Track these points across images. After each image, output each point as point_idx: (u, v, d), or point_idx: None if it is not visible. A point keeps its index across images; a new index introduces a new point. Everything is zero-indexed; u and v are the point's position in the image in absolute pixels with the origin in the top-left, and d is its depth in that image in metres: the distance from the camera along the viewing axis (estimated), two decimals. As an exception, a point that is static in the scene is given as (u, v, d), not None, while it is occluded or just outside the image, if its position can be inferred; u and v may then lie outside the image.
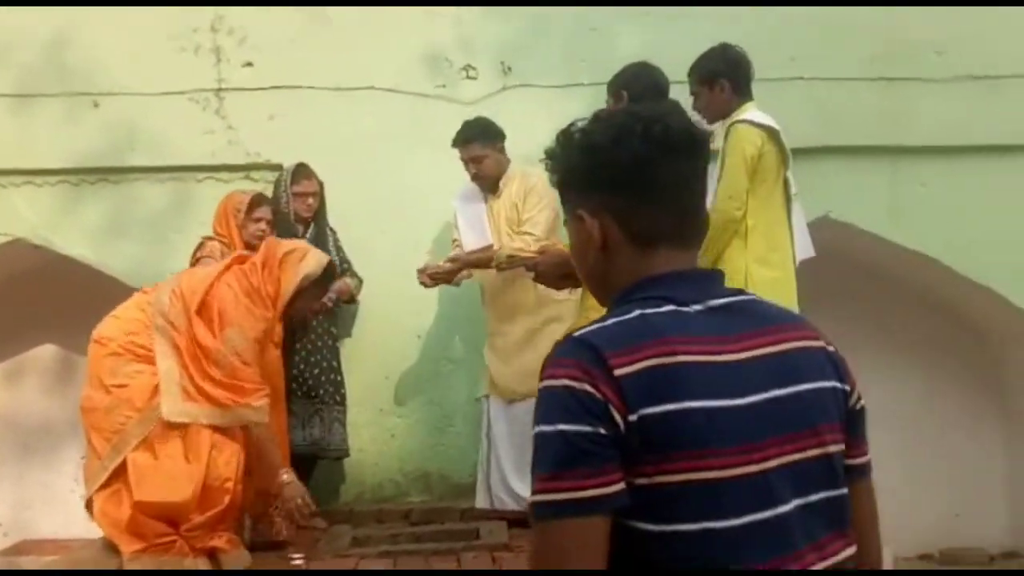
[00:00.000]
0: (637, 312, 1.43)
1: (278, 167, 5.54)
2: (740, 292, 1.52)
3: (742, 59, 4.14)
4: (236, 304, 4.29)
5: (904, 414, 6.32)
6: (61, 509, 6.35)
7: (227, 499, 4.21)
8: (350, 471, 5.67)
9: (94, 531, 4.43)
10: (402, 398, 5.70)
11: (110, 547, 4.23)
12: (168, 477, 4.13)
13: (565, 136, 1.56)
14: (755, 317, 1.50)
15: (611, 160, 1.49)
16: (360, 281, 5.41)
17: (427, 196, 5.64)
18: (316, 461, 5.32)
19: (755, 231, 3.95)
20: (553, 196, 4.62)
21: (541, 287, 4.45)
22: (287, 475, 4.37)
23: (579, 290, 4.03)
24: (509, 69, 5.79)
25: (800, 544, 1.40)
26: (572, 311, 4.43)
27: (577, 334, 1.42)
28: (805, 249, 4.24)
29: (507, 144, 5.06)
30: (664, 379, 1.37)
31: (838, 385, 1.51)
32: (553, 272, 3.87)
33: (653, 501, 1.35)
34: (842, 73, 5.78)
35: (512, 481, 4.91)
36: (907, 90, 5.76)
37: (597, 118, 1.55)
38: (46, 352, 6.63)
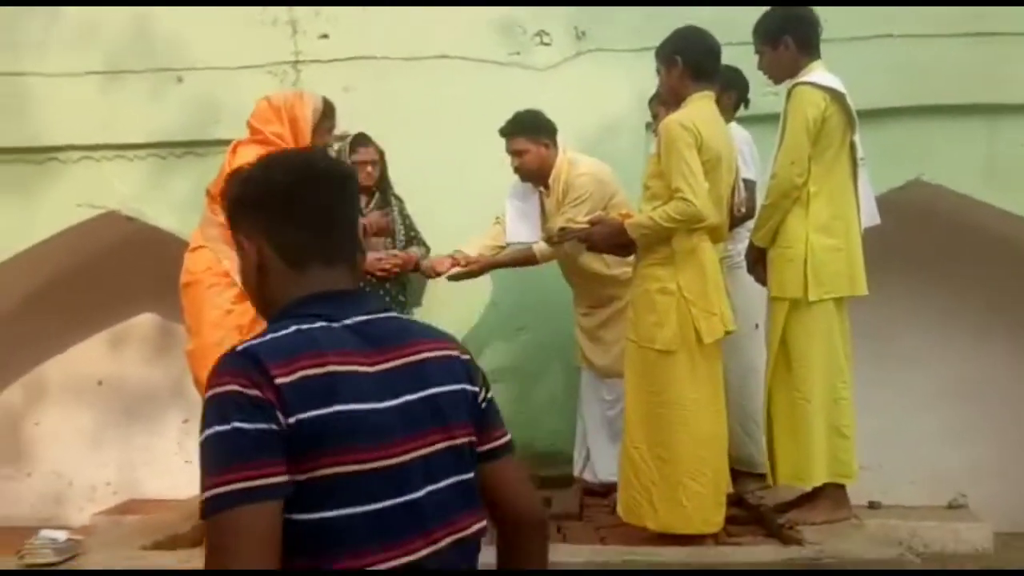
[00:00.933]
0: (293, 328, 1.64)
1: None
2: (384, 309, 1.76)
3: (807, 16, 3.93)
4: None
5: (1000, 381, 6.06)
6: (164, 471, 6.60)
7: None
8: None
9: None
10: (481, 367, 5.69)
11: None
12: None
13: (232, 175, 1.86)
14: (395, 332, 1.74)
15: (261, 189, 1.76)
16: (428, 250, 5.40)
17: (501, 165, 5.58)
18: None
19: (817, 198, 3.79)
20: (596, 189, 4.52)
21: (610, 258, 4.41)
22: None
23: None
24: (583, 34, 5.70)
25: (431, 524, 1.64)
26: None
27: (239, 347, 1.60)
28: (871, 216, 4.06)
29: (581, 108, 4.96)
30: (317, 386, 1.57)
31: (468, 387, 1.80)
32: (607, 241, 3.84)
33: (307, 494, 1.53)
34: (935, 30, 5.49)
35: (592, 452, 4.89)
36: (1005, 46, 5.45)
37: (259, 160, 1.83)
38: (146, 321, 6.87)
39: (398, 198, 5.46)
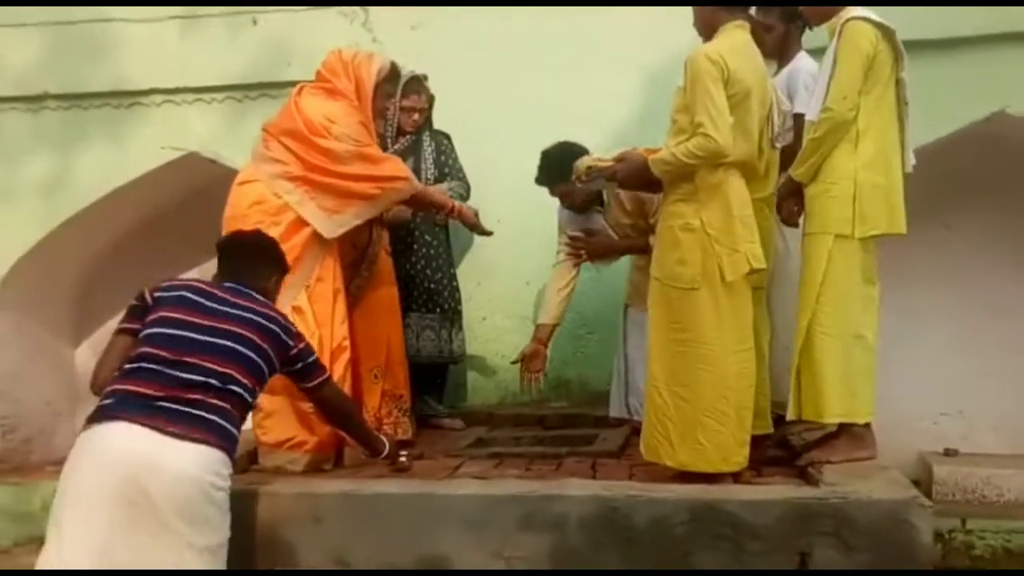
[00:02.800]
0: None
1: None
2: None
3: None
4: (326, 106, 4.47)
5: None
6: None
7: (343, 366, 4.36)
8: (494, 376, 5.81)
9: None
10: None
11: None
12: None
13: None
14: None
15: None
16: (468, 186, 5.41)
17: (563, 103, 5.58)
18: (445, 367, 5.48)
19: (866, 135, 3.70)
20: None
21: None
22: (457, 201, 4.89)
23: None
24: (648, -33, 5.58)
25: None
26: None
27: None
28: (910, 160, 3.92)
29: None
30: None
31: None
32: (632, 178, 3.82)
33: None
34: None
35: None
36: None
37: None
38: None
39: (444, 135, 5.48)
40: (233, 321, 3.33)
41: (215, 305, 3.36)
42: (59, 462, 6.46)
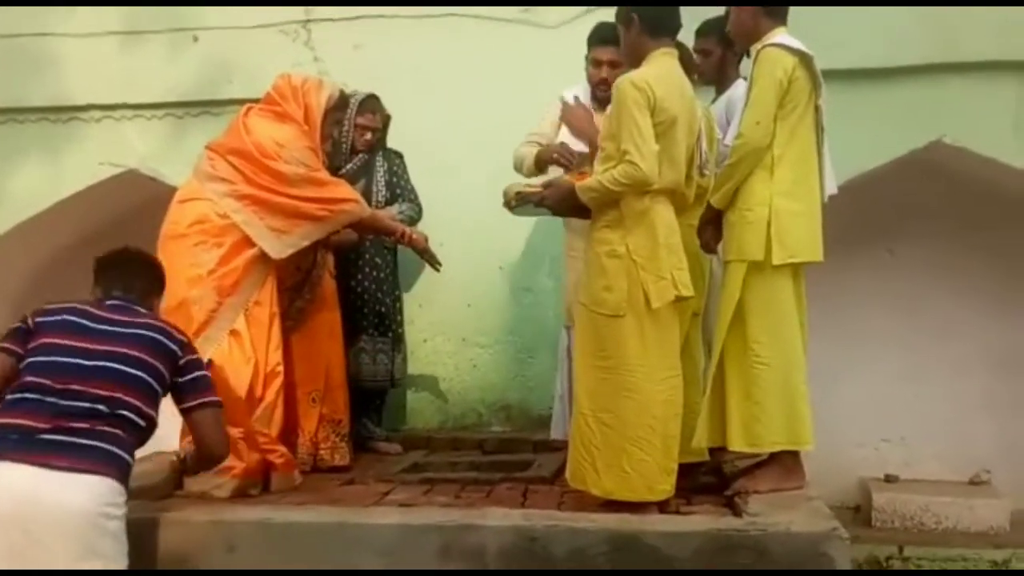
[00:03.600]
0: None
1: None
2: None
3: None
4: (276, 129, 4.43)
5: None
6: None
7: (274, 391, 4.30)
8: (434, 400, 5.76)
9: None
10: (484, 328, 5.71)
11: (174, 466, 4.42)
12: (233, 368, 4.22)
13: None
14: None
15: None
16: (419, 208, 5.37)
17: (509, 124, 5.49)
18: (384, 391, 5.41)
19: (782, 161, 3.69)
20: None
21: None
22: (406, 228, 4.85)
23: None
24: (594, -11, 5.56)
25: None
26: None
27: None
28: (831, 185, 3.92)
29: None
30: None
31: None
32: (560, 204, 3.79)
33: None
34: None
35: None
36: (1033, -2, 5.14)
37: None
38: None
39: (396, 154, 5.45)
40: (119, 341, 3.23)
41: (99, 326, 3.26)
42: None
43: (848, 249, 6.01)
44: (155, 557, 3.28)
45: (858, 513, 5.99)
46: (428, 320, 5.72)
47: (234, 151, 4.40)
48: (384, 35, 5.74)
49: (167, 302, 4.28)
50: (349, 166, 5.30)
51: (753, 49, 3.78)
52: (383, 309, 5.29)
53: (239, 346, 4.26)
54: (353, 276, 5.25)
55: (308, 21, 5.82)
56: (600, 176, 3.55)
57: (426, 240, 4.93)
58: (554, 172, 4.54)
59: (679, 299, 3.60)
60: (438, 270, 5.00)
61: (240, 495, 4.18)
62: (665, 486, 3.59)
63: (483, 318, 5.69)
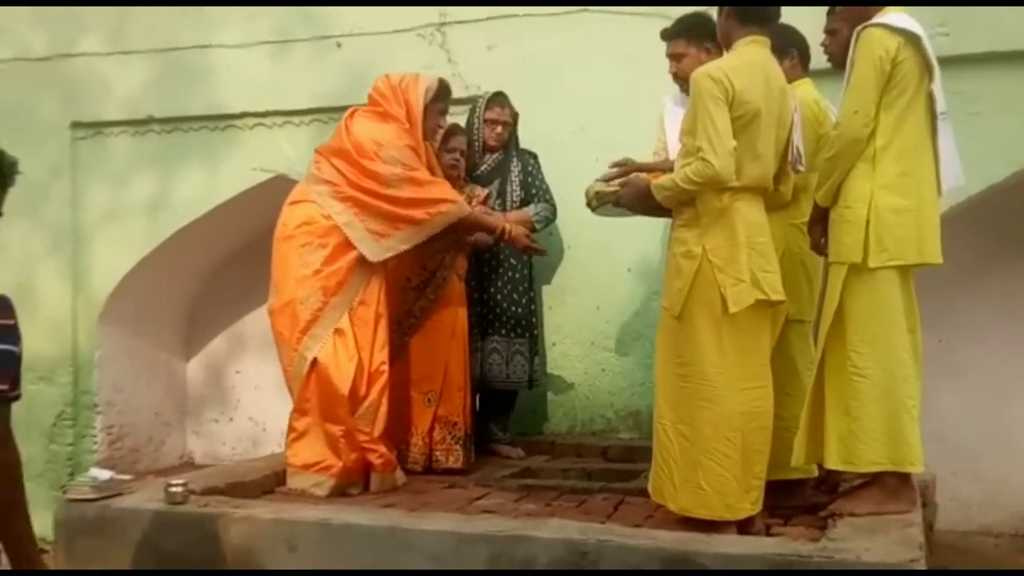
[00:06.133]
0: None
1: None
2: None
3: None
4: (376, 129, 4.49)
5: None
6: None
7: (378, 390, 4.32)
8: (563, 404, 5.65)
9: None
10: (613, 332, 5.55)
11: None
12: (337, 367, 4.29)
13: None
14: None
15: None
16: (554, 208, 5.29)
17: (641, 120, 5.34)
18: (515, 394, 5.35)
19: (886, 152, 3.36)
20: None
21: None
22: (507, 224, 4.78)
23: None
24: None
25: None
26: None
27: None
28: (953, 176, 3.52)
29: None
30: None
31: None
32: (637, 204, 3.62)
33: None
34: None
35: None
36: None
37: None
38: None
39: (531, 154, 5.39)
40: None
41: None
42: (164, 471, 6.82)
43: (1022, 251, 5.50)
44: (222, 552, 3.33)
45: (1040, 541, 5.45)
46: (557, 323, 5.62)
47: (336, 152, 4.47)
48: (516, 35, 5.69)
49: (276, 301, 4.41)
50: (483, 167, 5.29)
51: (856, 30, 3.45)
52: (519, 310, 5.24)
53: (343, 345, 4.32)
54: (487, 277, 5.23)
55: (443, 24, 5.84)
56: (674, 174, 3.35)
57: (527, 235, 4.87)
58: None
59: (769, 303, 3.34)
60: (543, 253, 5.03)
61: (339, 494, 4.25)
62: (745, 504, 3.35)
63: (612, 322, 5.53)
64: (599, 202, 3.75)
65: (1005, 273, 5.58)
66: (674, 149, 4.46)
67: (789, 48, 3.83)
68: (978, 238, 5.42)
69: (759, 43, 3.45)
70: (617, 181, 3.80)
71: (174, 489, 3.54)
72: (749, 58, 3.40)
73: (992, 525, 5.56)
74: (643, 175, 3.68)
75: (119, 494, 3.69)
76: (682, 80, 4.50)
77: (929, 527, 4.38)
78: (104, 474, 3.70)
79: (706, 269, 3.30)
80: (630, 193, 3.63)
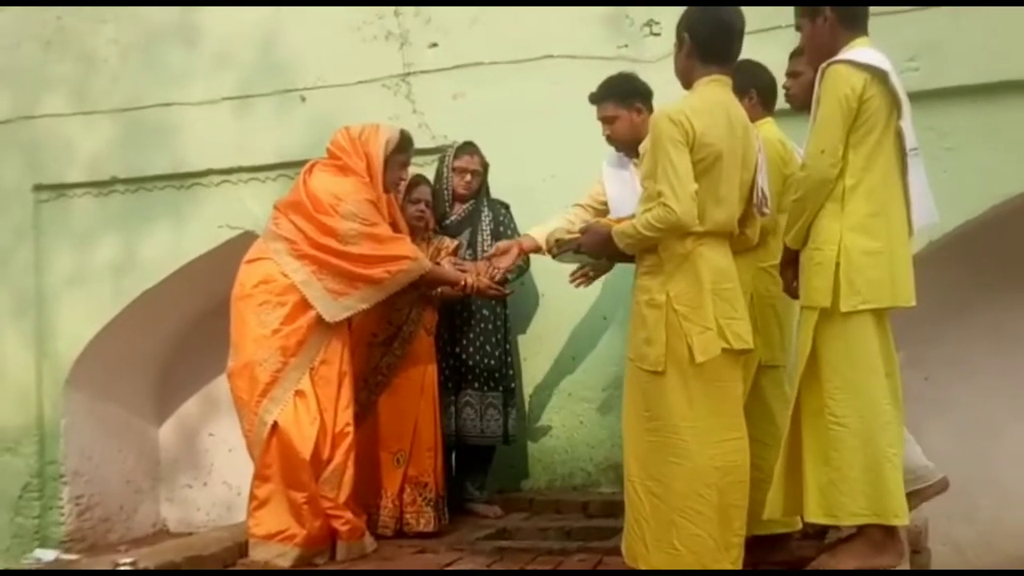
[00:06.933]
0: None
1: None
2: None
3: (851, -16, 3.37)
4: (334, 183, 4.35)
5: None
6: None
7: (343, 452, 4.18)
8: (542, 458, 5.49)
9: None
10: (591, 382, 5.41)
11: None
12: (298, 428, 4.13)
13: None
14: None
15: None
16: (527, 258, 5.14)
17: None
18: (491, 450, 5.18)
19: (855, 192, 3.21)
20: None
21: None
22: (468, 276, 4.64)
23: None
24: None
25: None
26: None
27: None
28: (926, 214, 3.39)
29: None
30: None
31: None
32: (598, 250, 3.50)
33: None
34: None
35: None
36: None
37: None
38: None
39: (503, 204, 5.28)
40: None
41: None
42: (137, 540, 6.61)
43: (1006, 284, 5.41)
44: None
45: (1039, 579, 5.28)
46: (532, 374, 5.48)
47: (293, 207, 4.35)
48: (482, 83, 5.62)
49: (234, 363, 4.25)
50: (453, 216, 5.17)
51: (820, 67, 3.34)
52: (492, 362, 5.08)
53: (305, 407, 4.17)
54: (459, 329, 5.08)
55: (408, 74, 5.77)
56: (636, 220, 3.22)
57: (490, 285, 4.71)
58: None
59: (738, 352, 3.19)
60: (508, 294, 4.89)
61: (304, 564, 4.07)
62: (724, 563, 3.17)
63: (588, 371, 5.39)
64: (560, 249, 3.61)
65: (990, 307, 5.46)
66: (616, 208, 4.39)
67: (748, 88, 3.71)
68: (961, 273, 5.31)
69: (720, 83, 3.34)
70: (579, 228, 3.66)
71: (122, 568, 3.35)
72: (710, 98, 3.28)
73: (989, 567, 5.39)
74: (604, 220, 3.54)
75: (69, 569, 3.50)
76: (617, 142, 4.46)
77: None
78: (48, 555, 3.52)
79: (671, 318, 3.16)
80: (592, 240, 3.49)
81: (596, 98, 4.46)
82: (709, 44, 3.34)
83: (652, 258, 3.23)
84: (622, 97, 4.40)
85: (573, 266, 4.24)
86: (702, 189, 3.15)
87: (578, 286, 4.41)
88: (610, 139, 4.49)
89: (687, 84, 3.40)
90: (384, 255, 4.30)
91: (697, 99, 3.28)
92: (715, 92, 3.31)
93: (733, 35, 3.37)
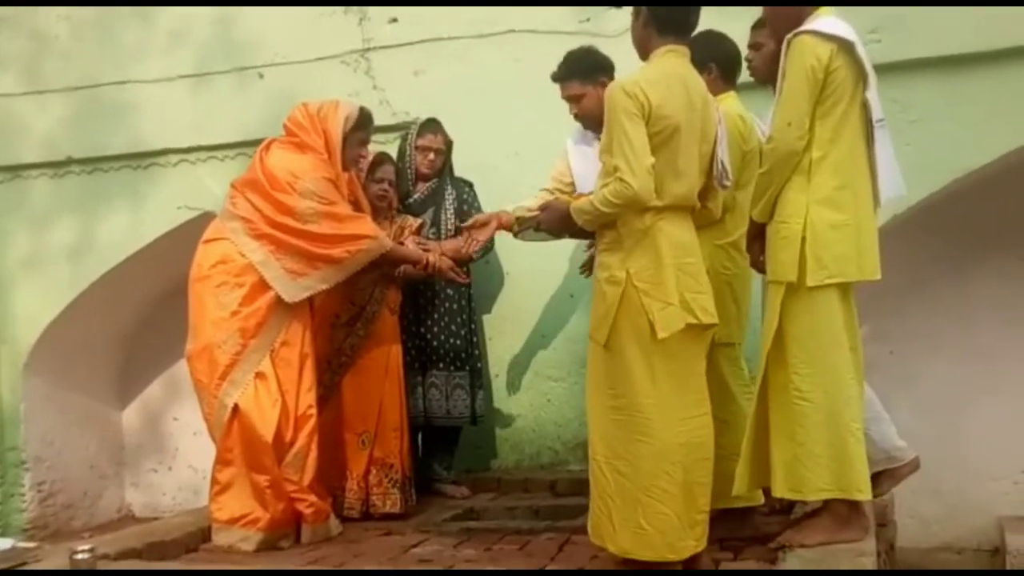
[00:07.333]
0: None
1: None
2: None
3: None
4: (292, 160, 4.28)
5: None
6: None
7: (306, 435, 4.13)
8: (509, 438, 5.46)
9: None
10: (558, 360, 5.37)
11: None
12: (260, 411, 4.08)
13: None
14: None
15: None
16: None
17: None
18: (458, 430, 5.14)
19: (821, 165, 3.19)
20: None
21: None
22: (430, 256, 4.59)
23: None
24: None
25: None
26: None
27: None
28: (893, 186, 3.38)
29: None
30: None
31: None
32: (557, 227, 3.44)
33: None
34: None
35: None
36: None
37: None
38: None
39: (467, 183, 5.21)
40: None
41: None
42: (102, 526, 6.52)
43: (972, 256, 5.40)
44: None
45: (996, 556, 5.30)
46: (498, 354, 5.43)
47: (250, 185, 4.27)
48: (443, 59, 5.53)
49: (193, 346, 4.18)
50: (416, 195, 5.09)
51: (786, 37, 3.30)
52: (457, 342, 5.03)
53: (265, 389, 4.11)
54: (424, 309, 5.02)
55: (367, 50, 5.67)
56: (593, 196, 3.17)
57: (452, 267, 4.69)
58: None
59: (695, 328, 3.16)
60: (464, 284, 4.86)
61: (268, 548, 4.02)
62: (689, 541, 3.14)
63: (556, 350, 5.35)
64: (520, 227, 3.56)
65: (956, 280, 5.46)
66: (582, 185, 4.35)
67: (707, 62, 3.65)
68: (926, 246, 5.30)
69: (678, 53, 3.28)
70: (537, 205, 3.59)
71: (80, 556, 3.28)
72: (667, 69, 3.22)
73: (954, 541, 5.42)
74: (564, 197, 3.49)
75: (22, 563, 3.42)
76: (585, 119, 4.39)
77: (890, 547, 4.25)
78: (4, 543, 3.44)
79: (631, 294, 3.11)
80: (550, 217, 3.43)
81: (559, 77, 4.38)
82: (666, 14, 3.28)
83: (611, 234, 3.18)
84: (586, 73, 4.32)
85: (537, 244, 4.20)
86: (660, 162, 3.10)
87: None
88: (578, 117, 4.41)
89: (644, 55, 3.34)
90: (343, 234, 4.23)
91: (653, 70, 3.22)
92: (672, 63, 3.25)
93: (690, 5, 3.31)
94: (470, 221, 4.56)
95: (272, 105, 5.75)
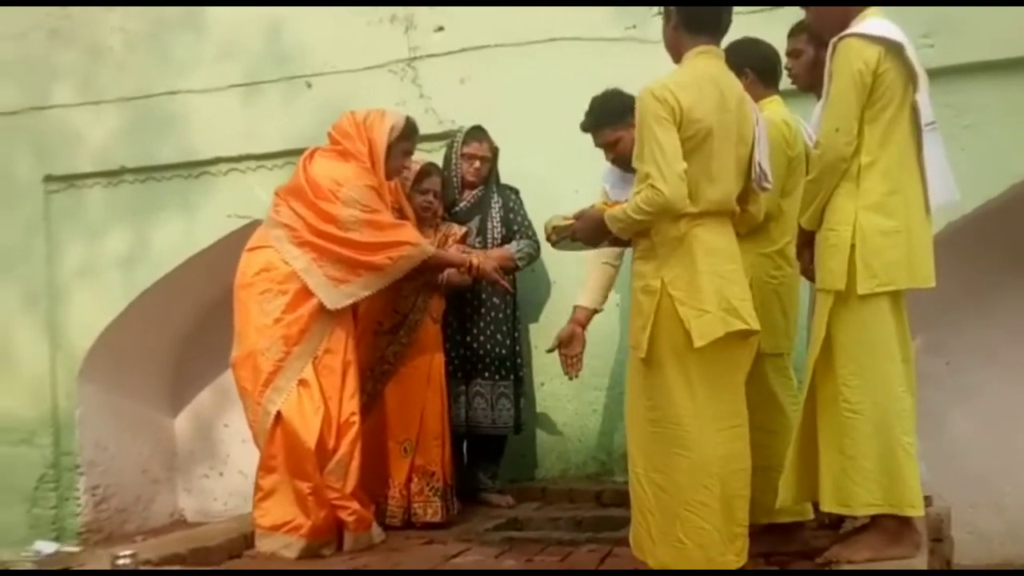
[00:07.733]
0: None
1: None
2: None
3: (858, -45, 3.25)
4: (335, 168, 4.29)
5: None
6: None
7: (349, 443, 4.12)
8: (555, 447, 5.42)
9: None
10: (603, 369, 5.31)
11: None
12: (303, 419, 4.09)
13: None
14: None
15: None
16: (537, 244, 5.05)
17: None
18: (502, 439, 5.11)
19: (870, 171, 3.11)
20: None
21: None
22: (473, 257, 4.60)
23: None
24: (701, -2, 5.11)
25: None
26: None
27: None
28: (946, 191, 3.28)
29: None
30: None
31: None
32: (592, 236, 3.39)
33: None
34: None
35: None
36: None
37: None
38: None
39: (512, 189, 5.19)
40: None
41: None
42: (155, 531, 6.60)
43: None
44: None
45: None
46: (544, 362, 5.37)
47: (293, 193, 4.29)
48: (489, 67, 5.52)
49: (237, 353, 4.21)
50: (463, 203, 5.09)
51: (832, 41, 3.22)
52: (502, 351, 5.01)
53: (308, 396, 4.12)
54: (469, 318, 5.00)
55: (414, 59, 5.68)
56: (627, 203, 3.12)
57: (496, 268, 4.70)
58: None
59: (735, 336, 3.09)
60: (509, 292, 4.85)
61: (310, 556, 4.02)
62: (730, 555, 3.08)
63: (602, 359, 5.28)
64: (558, 236, 3.52)
65: (1013, 290, 5.30)
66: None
67: (743, 67, 3.57)
68: (983, 255, 5.16)
69: (711, 54, 3.22)
70: (573, 213, 3.56)
71: (122, 561, 3.31)
72: (698, 71, 3.17)
73: (1015, 558, 5.25)
74: (598, 205, 3.44)
75: (66, 568, 3.46)
76: (624, 160, 4.27)
77: (946, 563, 4.13)
78: (49, 547, 3.48)
79: (666, 303, 3.05)
80: (585, 226, 3.37)
81: (589, 126, 4.30)
82: (696, 13, 3.23)
83: (645, 243, 3.13)
84: (616, 117, 4.20)
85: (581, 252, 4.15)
86: (693, 167, 3.04)
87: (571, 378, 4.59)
88: (616, 161, 4.33)
89: (677, 58, 3.29)
90: (385, 241, 4.23)
91: (684, 73, 3.17)
92: (704, 64, 3.19)
93: (725, 8, 3.26)
94: (554, 343, 4.62)
95: (320, 114, 5.78)
